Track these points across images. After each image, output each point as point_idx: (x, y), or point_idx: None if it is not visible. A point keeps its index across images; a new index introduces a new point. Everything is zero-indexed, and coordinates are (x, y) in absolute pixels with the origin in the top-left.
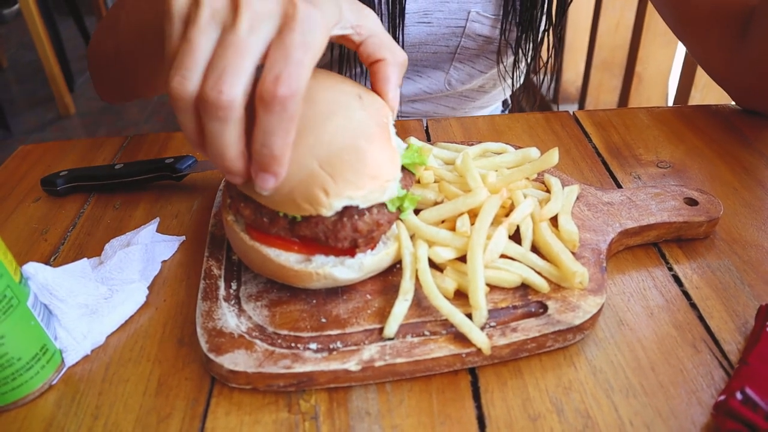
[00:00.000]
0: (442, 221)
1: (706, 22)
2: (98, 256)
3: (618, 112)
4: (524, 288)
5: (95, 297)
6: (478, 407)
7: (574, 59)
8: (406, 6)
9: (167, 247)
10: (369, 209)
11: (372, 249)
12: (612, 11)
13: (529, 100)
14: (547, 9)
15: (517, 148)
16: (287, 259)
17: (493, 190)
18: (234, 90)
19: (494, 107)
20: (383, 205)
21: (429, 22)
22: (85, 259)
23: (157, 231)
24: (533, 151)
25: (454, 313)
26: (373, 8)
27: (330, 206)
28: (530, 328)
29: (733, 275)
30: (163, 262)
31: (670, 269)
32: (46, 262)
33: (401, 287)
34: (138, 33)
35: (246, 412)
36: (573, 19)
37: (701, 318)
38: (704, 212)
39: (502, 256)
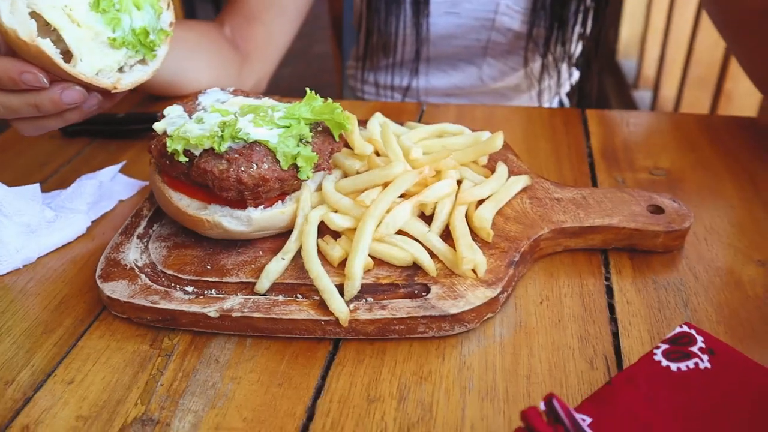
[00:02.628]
0: (361, 192)
1: (752, 24)
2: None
3: (633, 115)
4: (415, 269)
5: (39, 219)
6: (323, 377)
7: (672, 74)
8: None
9: (127, 188)
10: (258, 164)
11: (267, 206)
12: (711, 26)
13: (581, 104)
14: (583, 12)
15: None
16: (187, 204)
17: (415, 165)
18: None
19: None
20: (275, 162)
21: (457, 13)
22: (37, 184)
23: (130, 175)
24: (485, 135)
25: (320, 277)
26: None
27: (4, 23)
28: (400, 309)
29: (678, 296)
30: (121, 201)
31: (607, 279)
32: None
33: (284, 247)
34: None
35: (116, 339)
36: (674, 35)
37: (615, 335)
38: (665, 223)
39: (404, 233)
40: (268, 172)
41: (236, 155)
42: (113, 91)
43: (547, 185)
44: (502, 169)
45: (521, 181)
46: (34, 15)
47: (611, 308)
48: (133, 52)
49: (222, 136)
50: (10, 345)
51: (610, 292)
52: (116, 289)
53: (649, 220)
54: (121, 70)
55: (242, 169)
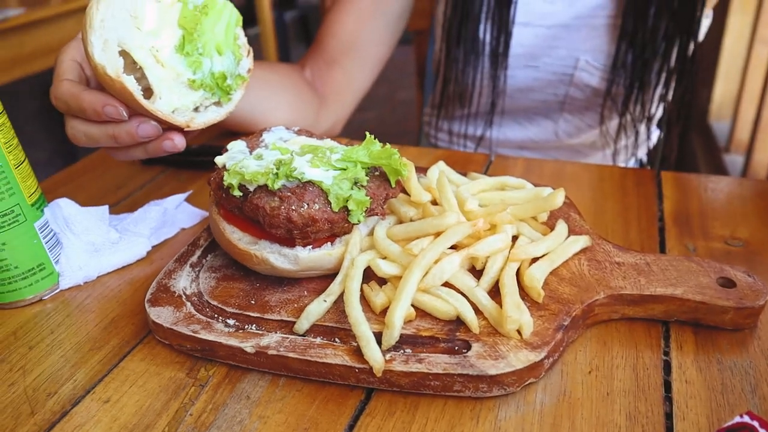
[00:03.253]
0: (412, 240)
1: None
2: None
3: (713, 180)
4: (458, 323)
5: (104, 239)
6: (351, 427)
7: (767, 139)
8: (513, 49)
9: (190, 217)
10: (309, 204)
11: (315, 246)
12: None
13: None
14: (666, 74)
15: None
16: (239, 238)
17: (470, 217)
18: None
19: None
20: (327, 203)
21: (536, 67)
22: (106, 206)
23: (194, 205)
24: (546, 191)
25: (359, 324)
26: (477, 45)
27: (96, 59)
28: (437, 364)
29: (746, 380)
30: (183, 228)
31: (666, 354)
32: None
33: (328, 289)
34: None
35: (155, 364)
36: None
37: (669, 416)
38: (736, 298)
39: (449, 285)
40: (318, 212)
41: (288, 193)
42: (186, 129)
43: (609, 248)
44: (561, 227)
45: (580, 242)
46: (122, 53)
47: (667, 386)
48: (210, 95)
49: (277, 174)
50: (59, 357)
51: (668, 368)
52: (161, 315)
53: (718, 293)
54: (196, 109)
55: (293, 207)
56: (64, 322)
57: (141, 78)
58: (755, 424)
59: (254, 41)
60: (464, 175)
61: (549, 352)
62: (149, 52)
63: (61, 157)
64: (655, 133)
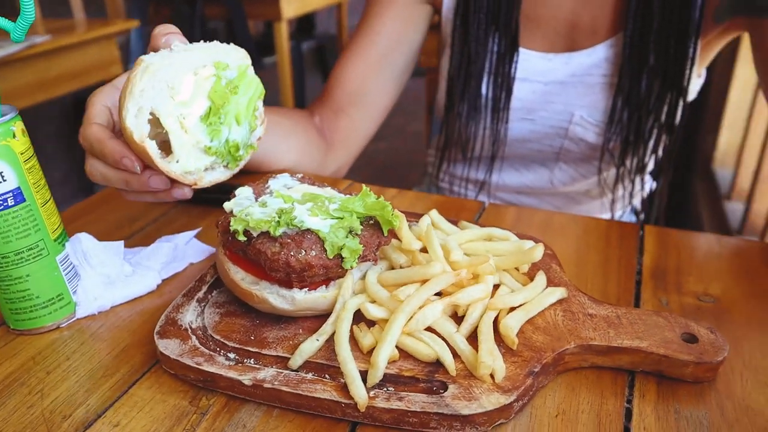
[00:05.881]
0: (400, 286)
1: None
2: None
3: (693, 236)
4: (437, 365)
5: (118, 272)
6: None
7: (767, 191)
8: (512, 103)
9: (199, 252)
10: (307, 250)
11: (311, 288)
12: None
13: (650, 215)
14: (660, 126)
15: (528, 238)
16: (242, 278)
17: (454, 267)
18: (87, 166)
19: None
20: (323, 250)
21: (532, 120)
22: (121, 241)
23: (202, 241)
24: (528, 244)
25: (346, 362)
26: (480, 102)
27: (127, 125)
28: (416, 402)
29: (699, 429)
30: (192, 264)
31: (629, 401)
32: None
33: (321, 329)
34: None
35: (161, 392)
36: None
37: None
38: (696, 353)
39: (431, 330)
40: (314, 259)
41: (288, 240)
42: (193, 187)
43: (584, 300)
44: (540, 279)
45: (557, 294)
46: (152, 118)
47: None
48: (220, 160)
49: (278, 222)
50: (74, 383)
51: (629, 415)
52: (169, 347)
53: (681, 348)
54: (205, 169)
55: (292, 254)
56: (79, 349)
57: (159, 132)
58: None
59: (271, 69)
60: (455, 223)
61: (519, 396)
62: (177, 119)
63: (77, 174)
64: (649, 183)
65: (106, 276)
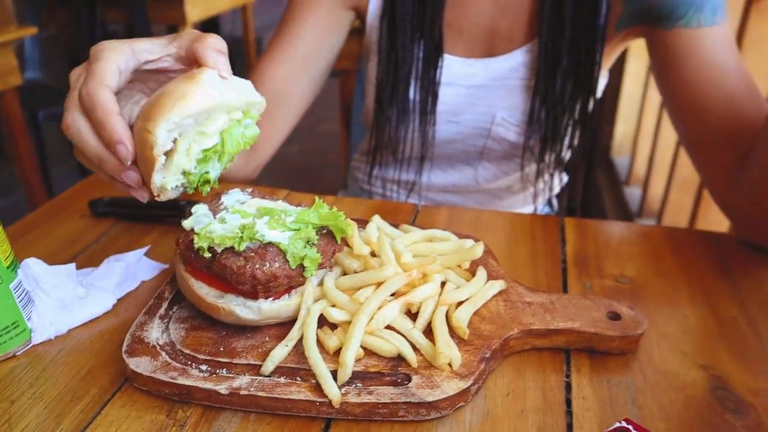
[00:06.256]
0: (357, 289)
1: (713, 145)
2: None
3: (607, 224)
4: (399, 360)
5: (72, 295)
6: None
7: (660, 174)
8: (438, 107)
9: (150, 270)
10: (270, 262)
11: (275, 298)
12: None
13: (564, 207)
14: (574, 124)
15: (466, 237)
16: (207, 293)
17: (405, 269)
18: (70, 115)
19: (531, 208)
20: (285, 261)
21: (457, 122)
22: (73, 264)
23: (151, 258)
24: (468, 243)
25: (317, 364)
26: (408, 106)
27: (156, 137)
28: (384, 394)
29: (627, 394)
30: (144, 281)
31: (567, 376)
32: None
33: (289, 335)
34: None
35: (136, 409)
36: (663, 137)
37: (570, 426)
38: (620, 328)
39: (390, 328)
40: (279, 270)
41: (252, 254)
42: (152, 198)
43: (521, 290)
44: (481, 273)
45: (497, 286)
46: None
47: (568, 403)
48: (188, 185)
49: (242, 237)
50: (42, 410)
51: (569, 388)
52: (140, 364)
53: (607, 325)
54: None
55: (257, 266)
56: (41, 375)
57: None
58: (630, 427)
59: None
60: (397, 226)
61: (475, 380)
62: (188, 143)
63: None
64: (564, 177)
65: (60, 300)
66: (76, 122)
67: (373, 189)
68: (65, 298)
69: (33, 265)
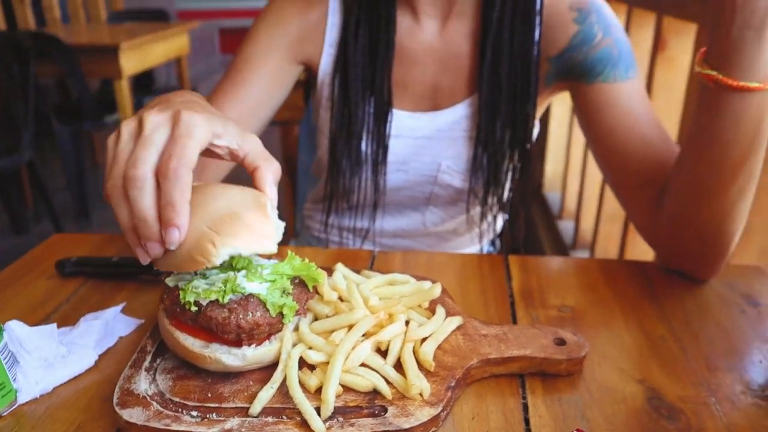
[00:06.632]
0: (331, 332)
1: (633, 184)
2: (75, 326)
3: (547, 260)
4: (375, 393)
5: (54, 354)
6: None
7: (589, 208)
8: (388, 157)
9: (127, 325)
10: (252, 311)
11: (258, 344)
12: None
13: (507, 245)
14: (513, 168)
15: (423, 279)
16: (192, 343)
17: (373, 311)
18: (143, 167)
19: (476, 248)
20: (266, 310)
21: (406, 170)
22: (54, 324)
23: (125, 313)
24: (426, 284)
25: (302, 403)
26: (361, 158)
27: (218, 254)
28: (365, 426)
29: (577, 409)
30: (121, 337)
31: (524, 398)
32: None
33: (272, 377)
34: None
35: None
36: (589, 173)
37: None
38: (566, 352)
39: (364, 365)
40: (261, 318)
41: (236, 305)
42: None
43: (476, 324)
44: (440, 311)
45: (455, 322)
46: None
47: (527, 422)
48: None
49: (225, 291)
50: None
51: (526, 408)
52: (133, 415)
53: (555, 350)
54: None
55: (241, 317)
56: None
57: None
58: None
59: (114, 128)
60: (358, 272)
61: (444, 407)
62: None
63: None
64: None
65: (44, 359)
66: (147, 180)
67: (329, 237)
68: (48, 357)
69: (15, 327)
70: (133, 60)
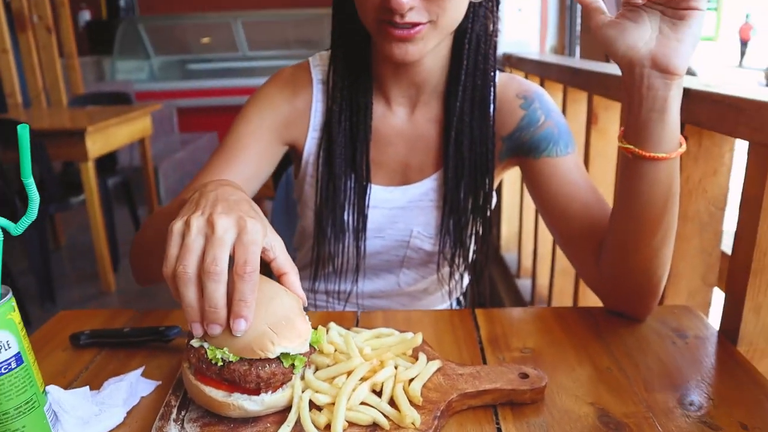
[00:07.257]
0: (333, 378)
1: (577, 242)
2: (98, 389)
3: (509, 311)
4: (374, 426)
5: (89, 413)
6: None
7: (543, 266)
8: (368, 225)
9: (147, 387)
10: (269, 364)
11: (273, 391)
12: None
13: (473, 301)
14: (476, 233)
15: (404, 332)
16: (216, 394)
17: (367, 359)
18: (222, 264)
19: (446, 305)
20: (279, 362)
21: (382, 237)
22: (87, 387)
23: (143, 376)
24: (409, 335)
25: None
26: (344, 226)
27: (274, 352)
28: None
29: (542, 430)
30: (143, 397)
31: (498, 424)
32: None
33: (287, 418)
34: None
35: None
36: (541, 233)
37: None
38: (530, 383)
39: (364, 403)
40: (276, 369)
41: (254, 360)
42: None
43: (453, 365)
44: (422, 357)
45: (436, 364)
46: None
47: None
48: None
49: None
50: None
51: None
52: None
53: (520, 383)
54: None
55: (259, 368)
56: None
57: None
58: None
59: (79, 209)
60: (348, 329)
61: None
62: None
63: None
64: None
65: (80, 418)
66: (224, 275)
67: (317, 302)
68: (84, 416)
69: (53, 390)
70: (99, 142)
